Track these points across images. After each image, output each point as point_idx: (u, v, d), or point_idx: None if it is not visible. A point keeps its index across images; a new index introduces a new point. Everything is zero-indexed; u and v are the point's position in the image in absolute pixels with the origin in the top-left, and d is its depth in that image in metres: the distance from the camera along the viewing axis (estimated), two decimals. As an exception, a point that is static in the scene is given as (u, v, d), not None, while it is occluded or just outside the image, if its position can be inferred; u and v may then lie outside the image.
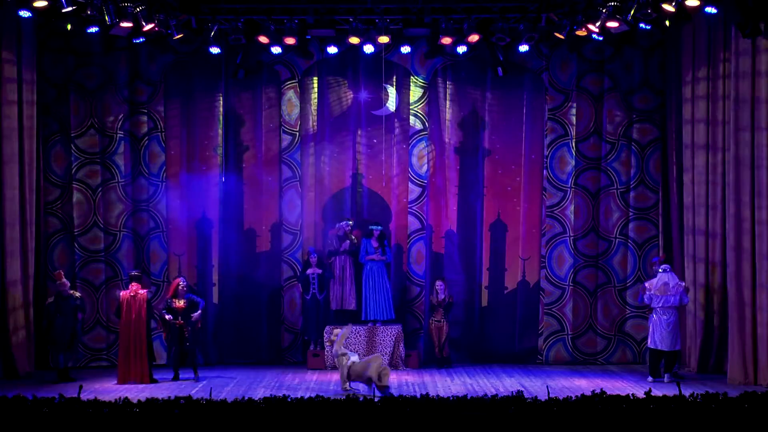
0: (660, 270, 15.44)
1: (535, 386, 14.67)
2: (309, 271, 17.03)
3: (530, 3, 16.11)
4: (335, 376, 15.93)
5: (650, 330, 15.38)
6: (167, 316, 15.56)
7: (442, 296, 16.86)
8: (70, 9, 14.54)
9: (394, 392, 13.66)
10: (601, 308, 17.39)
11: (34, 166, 16.29)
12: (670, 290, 15.17)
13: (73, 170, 17.04)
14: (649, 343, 15.44)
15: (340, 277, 17.05)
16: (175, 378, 15.59)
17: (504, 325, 17.54)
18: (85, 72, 17.10)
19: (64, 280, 15.62)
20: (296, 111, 17.54)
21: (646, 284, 15.57)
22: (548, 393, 11.84)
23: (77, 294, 15.79)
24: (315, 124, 17.60)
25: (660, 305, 15.20)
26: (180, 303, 15.61)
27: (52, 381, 15.26)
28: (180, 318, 15.53)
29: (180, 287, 15.67)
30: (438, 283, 16.95)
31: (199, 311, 15.71)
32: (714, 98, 15.57)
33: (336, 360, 14.83)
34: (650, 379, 15.20)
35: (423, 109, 17.53)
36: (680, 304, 15.28)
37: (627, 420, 10.06)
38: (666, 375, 15.16)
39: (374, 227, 17.01)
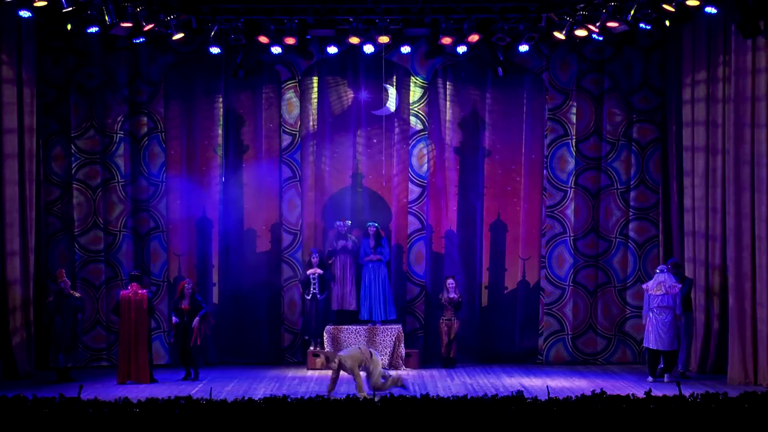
0: (657, 270, 15.42)
1: (535, 386, 14.67)
2: (309, 271, 17.02)
3: (530, 3, 16.11)
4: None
5: (647, 330, 15.33)
6: (173, 319, 15.77)
7: (453, 294, 16.83)
8: (70, 9, 14.55)
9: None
10: (601, 308, 17.39)
11: (34, 166, 16.29)
12: (666, 289, 15.12)
13: (73, 170, 17.03)
14: (645, 343, 15.39)
15: (341, 277, 17.06)
16: (187, 377, 15.69)
17: (504, 325, 17.54)
18: (85, 72, 17.10)
19: (65, 278, 15.64)
20: (296, 111, 17.54)
21: (644, 286, 15.57)
22: (548, 393, 11.83)
23: (77, 294, 15.81)
24: (315, 124, 17.61)
25: (656, 305, 15.15)
26: (185, 304, 15.71)
27: (52, 381, 15.25)
28: (185, 318, 15.69)
29: (185, 289, 15.76)
30: (449, 281, 16.91)
31: (197, 318, 15.73)
32: (714, 98, 15.57)
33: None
34: (650, 379, 15.18)
35: (423, 109, 17.53)
36: (674, 305, 15.15)
37: (627, 420, 10.06)
38: (666, 375, 15.14)
39: (369, 224, 17.05)
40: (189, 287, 15.81)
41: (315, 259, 17.03)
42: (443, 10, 16.13)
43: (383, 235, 17.18)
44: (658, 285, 15.16)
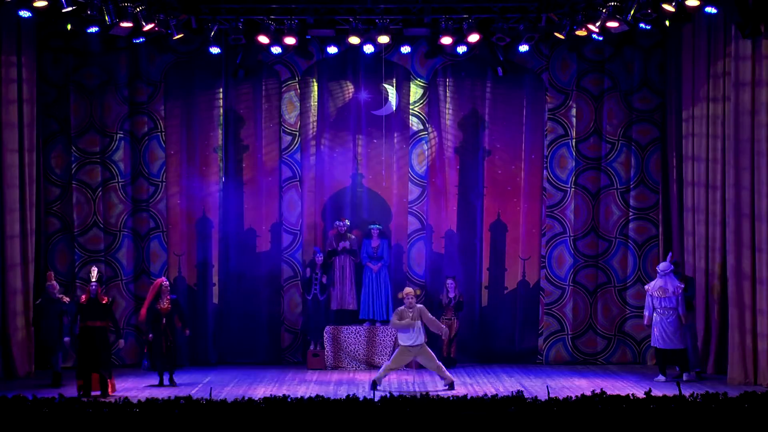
0: (658, 270, 15.40)
1: (535, 386, 14.66)
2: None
3: (530, 3, 16.12)
4: (335, 376, 15.98)
5: (653, 330, 15.32)
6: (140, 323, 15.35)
7: (453, 294, 16.82)
8: (70, 9, 14.55)
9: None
10: (601, 308, 17.39)
11: (34, 166, 16.29)
12: (669, 293, 15.11)
13: (73, 170, 17.04)
14: (653, 342, 15.36)
15: (340, 277, 17.05)
16: (160, 384, 14.89)
17: (504, 325, 17.54)
18: (85, 72, 17.10)
19: (54, 282, 15.20)
20: (296, 111, 17.54)
21: (645, 287, 15.56)
22: (548, 393, 11.85)
23: (66, 299, 15.26)
24: (315, 124, 17.60)
25: (660, 306, 15.16)
26: (165, 304, 14.92)
27: (47, 385, 14.84)
28: (164, 320, 14.84)
29: (163, 287, 14.93)
30: (449, 281, 16.89)
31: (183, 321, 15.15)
32: (714, 98, 15.57)
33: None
34: (662, 378, 15.05)
35: (423, 109, 17.54)
36: (677, 305, 15.16)
37: (627, 420, 10.07)
38: (684, 374, 15.06)
39: (372, 227, 17.04)
40: (167, 284, 15.06)
41: (319, 258, 16.93)
42: (443, 10, 16.13)
43: (387, 237, 17.19)
44: (660, 288, 15.15)
